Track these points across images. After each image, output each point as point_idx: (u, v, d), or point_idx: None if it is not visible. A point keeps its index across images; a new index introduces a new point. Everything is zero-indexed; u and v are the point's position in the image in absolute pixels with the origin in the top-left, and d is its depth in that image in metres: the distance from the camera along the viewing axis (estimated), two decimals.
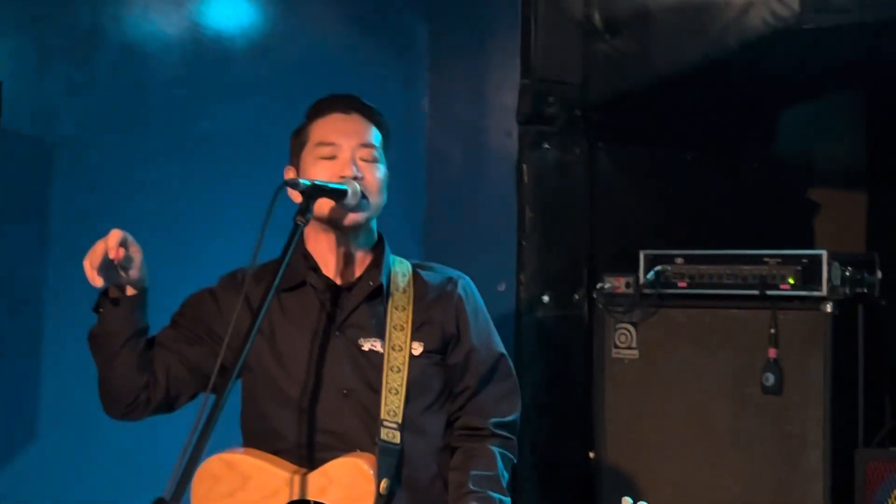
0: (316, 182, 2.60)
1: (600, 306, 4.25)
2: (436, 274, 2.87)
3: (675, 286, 4.11)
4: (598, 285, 4.25)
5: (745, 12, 3.85)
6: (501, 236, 4.47)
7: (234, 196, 3.93)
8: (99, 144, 3.81)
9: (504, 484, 2.74)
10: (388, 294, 2.75)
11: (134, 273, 2.58)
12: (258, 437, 2.73)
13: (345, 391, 2.68)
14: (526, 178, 4.43)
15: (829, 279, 3.85)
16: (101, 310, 2.66)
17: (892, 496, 3.74)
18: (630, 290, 4.16)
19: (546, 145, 4.46)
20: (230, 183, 4.00)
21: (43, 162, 3.71)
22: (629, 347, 4.17)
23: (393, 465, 2.60)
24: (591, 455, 4.27)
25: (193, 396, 2.79)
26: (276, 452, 2.68)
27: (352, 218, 2.70)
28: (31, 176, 3.70)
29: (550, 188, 4.47)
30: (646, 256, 4.16)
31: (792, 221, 5.28)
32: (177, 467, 2.17)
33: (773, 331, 3.87)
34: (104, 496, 3.75)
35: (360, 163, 2.72)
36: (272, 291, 2.45)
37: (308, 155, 2.74)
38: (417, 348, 2.72)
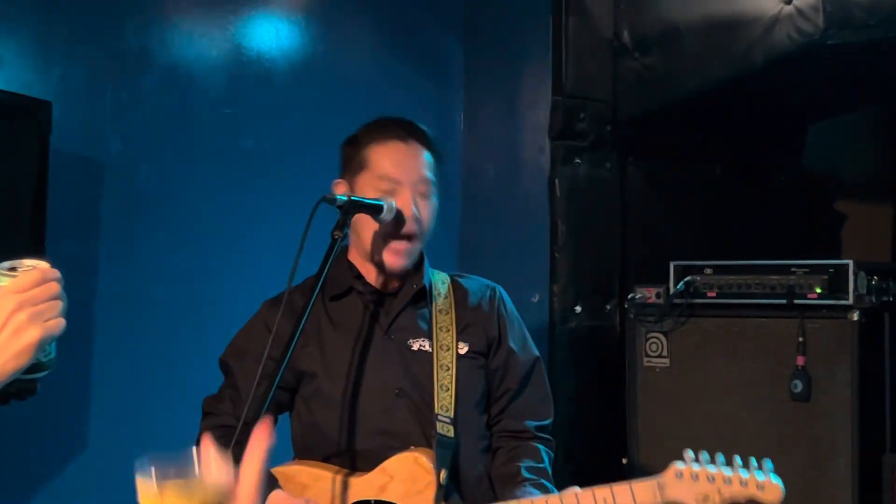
0: (353, 198, 2.65)
1: (632, 316, 4.27)
2: (473, 281, 2.97)
3: (704, 296, 4.14)
4: (630, 295, 4.28)
5: (771, 29, 3.86)
6: (535, 249, 4.52)
7: (277, 211, 3.98)
8: (146, 163, 3.89)
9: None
10: (432, 298, 2.83)
11: None
12: (310, 447, 2.76)
13: (397, 391, 2.73)
14: (558, 193, 4.48)
15: (856, 288, 3.86)
16: None
17: None
18: (661, 301, 4.19)
19: (577, 160, 4.51)
20: (274, 199, 4.07)
21: (92, 180, 3.78)
22: (660, 356, 4.21)
23: (448, 457, 2.65)
24: (624, 461, 4.29)
25: None
26: (326, 458, 2.72)
27: (403, 249, 2.75)
28: (81, 194, 3.77)
29: (582, 202, 4.52)
30: (676, 267, 4.18)
31: (819, 233, 5.32)
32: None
33: (801, 339, 3.90)
34: None
35: (419, 200, 2.77)
36: (311, 302, 2.49)
37: (367, 184, 2.75)
38: (463, 348, 2.79)
